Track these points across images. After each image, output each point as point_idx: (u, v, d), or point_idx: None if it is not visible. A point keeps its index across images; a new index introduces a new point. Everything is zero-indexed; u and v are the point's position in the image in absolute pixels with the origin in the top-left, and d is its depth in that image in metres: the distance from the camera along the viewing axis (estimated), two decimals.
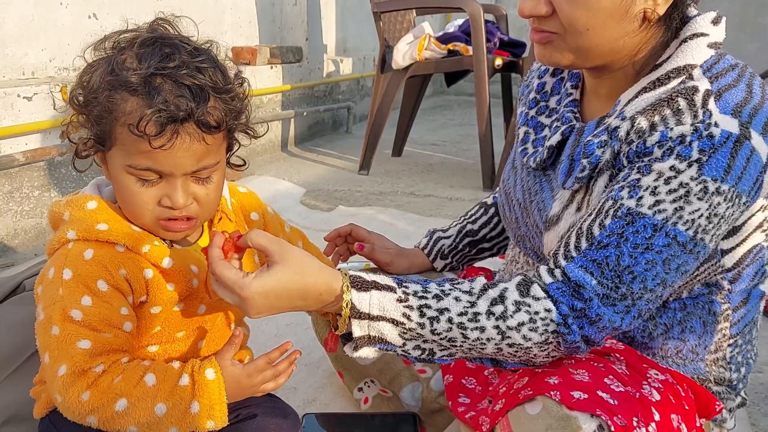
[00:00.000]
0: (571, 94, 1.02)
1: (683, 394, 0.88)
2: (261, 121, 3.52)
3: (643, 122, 0.85)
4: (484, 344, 0.83)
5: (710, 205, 0.81)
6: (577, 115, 1.00)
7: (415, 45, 3.01)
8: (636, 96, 0.88)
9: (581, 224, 0.87)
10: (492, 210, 1.25)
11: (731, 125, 0.81)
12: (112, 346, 0.83)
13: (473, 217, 1.27)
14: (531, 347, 0.83)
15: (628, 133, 0.86)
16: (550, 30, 0.89)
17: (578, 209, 0.93)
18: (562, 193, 0.95)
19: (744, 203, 0.84)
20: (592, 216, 0.86)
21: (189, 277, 0.89)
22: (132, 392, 0.81)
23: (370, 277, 0.85)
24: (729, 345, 0.98)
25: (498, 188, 1.19)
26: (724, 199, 0.81)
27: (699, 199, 0.81)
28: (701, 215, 0.81)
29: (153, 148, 0.79)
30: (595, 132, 0.90)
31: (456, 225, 1.27)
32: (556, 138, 0.97)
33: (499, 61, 2.92)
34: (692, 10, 0.91)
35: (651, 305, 0.86)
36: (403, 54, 3.03)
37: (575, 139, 0.95)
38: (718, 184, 0.80)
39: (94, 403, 0.81)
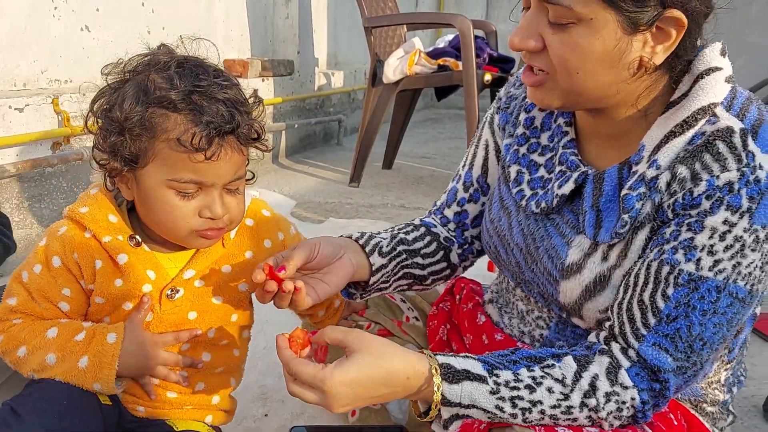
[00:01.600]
0: (566, 132, 0.97)
1: (675, 423, 0.89)
2: None
3: (683, 171, 0.82)
4: (571, 425, 0.84)
5: (762, 254, 0.81)
6: (581, 158, 0.95)
7: (406, 60, 3.04)
8: (665, 141, 0.84)
9: (641, 295, 0.83)
10: (423, 229, 1.13)
11: None
12: (39, 314, 0.92)
13: (404, 230, 1.12)
14: (607, 427, 0.84)
15: (669, 184, 0.83)
16: (541, 66, 0.85)
17: (604, 259, 0.89)
18: (579, 240, 0.91)
19: None
20: (650, 285, 0.83)
21: (141, 280, 0.92)
22: (31, 341, 0.90)
23: (459, 364, 0.82)
24: (725, 370, 0.99)
25: (483, 228, 1.10)
26: None
27: (753, 250, 0.80)
28: (756, 266, 0.81)
29: (201, 161, 0.84)
30: (630, 185, 0.86)
31: (386, 231, 1.12)
32: (569, 187, 0.92)
33: (488, 77, 2.95)
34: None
35: (711, 364, 0.87)
36: (393, 69, 3.06)
37: (594, 187, 0.90)
38: (766, 230, 0.80)
39: (3, 346, 0.92)
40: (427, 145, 4.68)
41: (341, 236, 1.07)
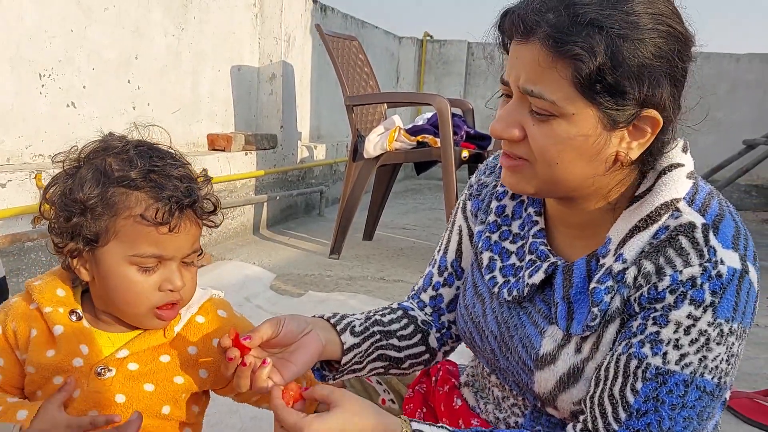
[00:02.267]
0: (536, 222, 1.00)
1: None
2: (234, 205, 3.57)
3: (648, 265, 0.85)
4: None
5: (727, 347, 0.82)
6: (550, 248, 0.97)
7: (386, 136, 3.13)
8: (630, 235, 0.87)
9: (612, 389, 0.85)
10: (400, 312, 1.13)
11: (734, 260, 0.82)
12: None
13: (380, 312, 1.12)
14: None
15: (635, 279, 0.85)
16: (520, 155, 0.87)
17: (578, 351, 0.90)
18: (552, 330, 0.93)
19: (746, 335, 0.85)
20: (620, 379, 0.84)
21: (73, 353, 0.93)
22: None
23: (431, 431, 0.86)
24: None
25: (458, 313, 1.10)
26: (737, 338, 0.83)
27: (718, 344, 0.81)
28: (722, 359, 0.82)
29: (164, 233, 0.88)
30: (598, 278, 0.88)
31: (360, 313, 1.11)
32: (539, 277, 0.95)
33: (465, 153, 3.04)
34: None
35: None
36: (374, 144, 3.14)
37: (564, 278, 0.93)
38: (730, 324, 0.81)
39: None
40: (407, 216, 4.74)
41: (313, 316, 1.05)
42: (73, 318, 0.94)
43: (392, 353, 1.09)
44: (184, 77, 3.34)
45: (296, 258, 3.38)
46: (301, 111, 4.44)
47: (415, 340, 1.12)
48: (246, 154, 3.64)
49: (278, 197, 3.99)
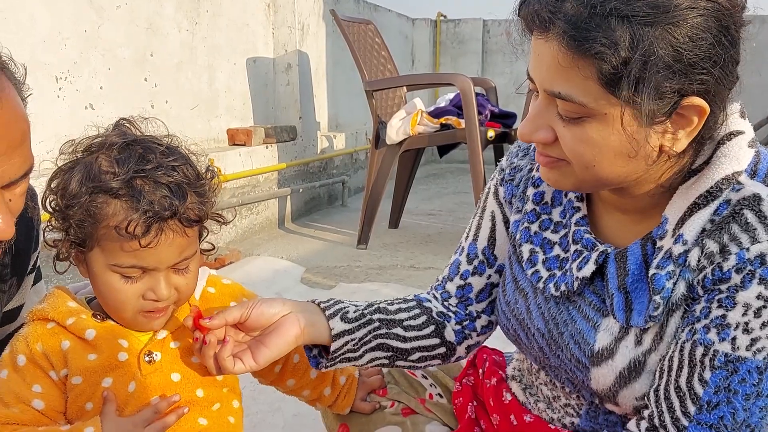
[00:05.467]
0: (578, 208, 0.93)
1: None
2: (258, 200, 3.54)
3: (711, 245, 0.78)
4: None
5: None
6: (595, 236, 0.91)
7: (408, 120, 3.06)
8: (689, 213, 0.80)
9: (677, 381, 0.79)
10: (412, 302, 1.07)
11: None
12: (18, 420, 0.87)
13: (387, 302, 1.06)
14: None
15: (699, 260, 0.79)
16: (556, 156, 0.82)
17: (638, 343, 0.84)
18: (606, 323, 0.86)
19: None
20: (686, 369, 0.78)
21: (115, 350, 0.91)
22: None
23: None
24: None
25: (499, 310, 1.04)
26: None
27: None
28: None
29: (140, 247, 0.84)
30: (657, 263, 0.81)
31: (365, 302, 1.05)
32: (589, 269, 0.87)
33: (491, 133, 2.96)
34: None
35: None
36: (396, 130, 3.07)
37: (618, 267, 0.86)
38: None
39: None
40: (431, 202, 4.68)
41: (307, 301, 1.01)
42: (98, 319, 0.92)
43: (395, 343, 1.02)
44: (200, 72, 3.30)
45: (324, 250, 3.34)
46: (318, 100, 4.39)
47: (427, 331, 1.05)
48: (266, 147, 3.60)
49: (301, 189, 3.95)
